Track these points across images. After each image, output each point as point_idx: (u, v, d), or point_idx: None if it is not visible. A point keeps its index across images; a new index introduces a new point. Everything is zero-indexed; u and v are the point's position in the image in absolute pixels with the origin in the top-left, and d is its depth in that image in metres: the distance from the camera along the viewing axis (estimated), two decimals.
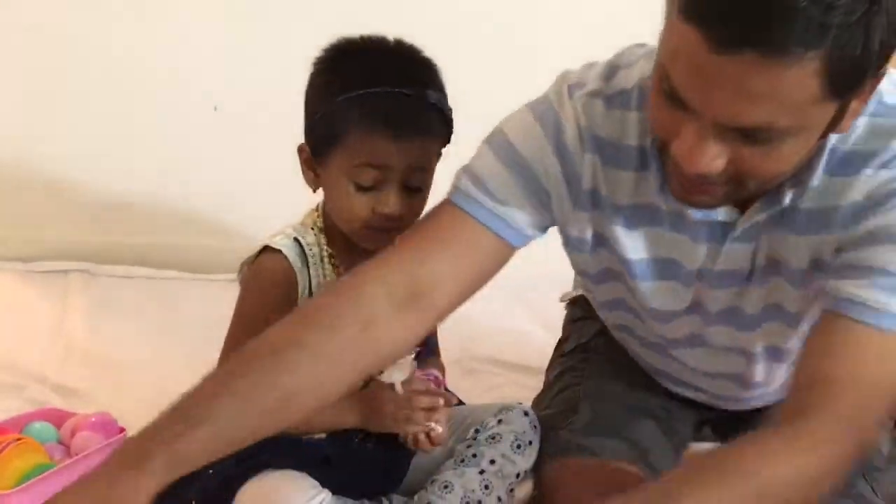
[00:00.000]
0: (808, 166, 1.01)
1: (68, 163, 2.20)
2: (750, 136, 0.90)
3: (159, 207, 2.25)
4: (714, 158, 0.92)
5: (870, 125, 1.02)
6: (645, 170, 1.09)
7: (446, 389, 1.42)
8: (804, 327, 1.16)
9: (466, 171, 1.13)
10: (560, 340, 1.56)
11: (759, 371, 1.26)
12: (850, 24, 0.82)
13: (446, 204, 1.12)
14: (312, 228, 1.29)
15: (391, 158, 1.18)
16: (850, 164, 1.02)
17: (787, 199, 1.03)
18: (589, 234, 1.17)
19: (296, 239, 1.26)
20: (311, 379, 1.00)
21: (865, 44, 0.84)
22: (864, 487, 1.20)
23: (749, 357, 1.24)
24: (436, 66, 1.26)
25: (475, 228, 1.10)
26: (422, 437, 1.24)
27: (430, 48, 1.27)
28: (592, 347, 1.47)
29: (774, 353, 1.23)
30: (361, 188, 1.20)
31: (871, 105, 0.99)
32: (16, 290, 2.06)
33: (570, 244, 1.21)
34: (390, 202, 1.20)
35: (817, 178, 1.02)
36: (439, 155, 1.27)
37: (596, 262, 1.22)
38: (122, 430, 1.38)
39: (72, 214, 2.23)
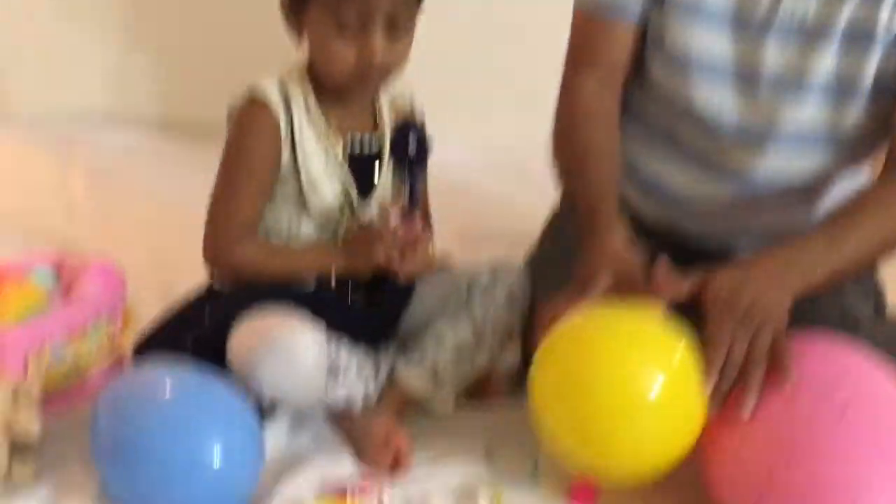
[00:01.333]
0: None
1: (76, 30, 2.18)
2: None
3: (163, 78, 2.24)
4: None
5: None
6: None
7: None
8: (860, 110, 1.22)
9: None
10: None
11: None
12: None
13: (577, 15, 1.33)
14: (301, 78, 1.25)
15: None
16: None
17: None
18: None
19: (280, 87, 1.23)
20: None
21: None
22: None
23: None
24: None
25: (605, 26, 1.29)
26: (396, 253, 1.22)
27: None
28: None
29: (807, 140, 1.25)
30: (345, 27, 1.16)
31: None
32: (23, 151, 2.07)
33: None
34: (376, 45, 1.16)
35: None
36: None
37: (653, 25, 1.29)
38: (122, 280, 1.39)
39: (80, 79, 2.23)
